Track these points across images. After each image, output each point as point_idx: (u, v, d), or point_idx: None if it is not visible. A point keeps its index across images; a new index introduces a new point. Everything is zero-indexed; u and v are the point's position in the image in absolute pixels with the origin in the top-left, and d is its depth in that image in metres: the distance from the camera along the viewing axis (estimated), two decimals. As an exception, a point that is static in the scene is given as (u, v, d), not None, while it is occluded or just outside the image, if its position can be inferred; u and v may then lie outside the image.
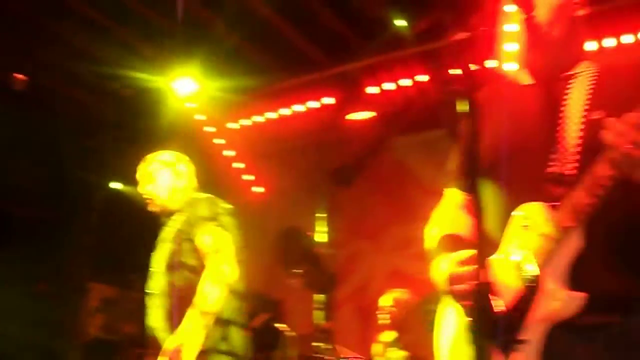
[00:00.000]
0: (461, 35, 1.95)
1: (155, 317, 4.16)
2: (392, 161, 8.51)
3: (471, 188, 1.81)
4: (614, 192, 1.91)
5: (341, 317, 8.07)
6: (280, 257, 6.06)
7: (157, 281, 4.23)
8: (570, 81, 2.25)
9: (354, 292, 8.49)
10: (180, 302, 4.03)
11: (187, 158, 4.58)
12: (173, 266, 4.12)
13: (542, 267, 2.06)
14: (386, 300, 6.84)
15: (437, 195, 2.70)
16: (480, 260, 1.71)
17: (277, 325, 6.01)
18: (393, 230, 8.41)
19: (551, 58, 2.30)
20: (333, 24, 7.27)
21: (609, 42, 6.40)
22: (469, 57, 1.89)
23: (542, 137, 2.19)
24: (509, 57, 2.53)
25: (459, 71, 1.87)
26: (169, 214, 4.38)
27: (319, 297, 5.97)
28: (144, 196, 4.44)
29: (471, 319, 1.70)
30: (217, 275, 3.97)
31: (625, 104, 1.85)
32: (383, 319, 6.77)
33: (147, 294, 4.27)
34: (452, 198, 2.56)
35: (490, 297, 1.77)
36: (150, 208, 4.44)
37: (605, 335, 2.04)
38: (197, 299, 3.91)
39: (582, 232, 2.02)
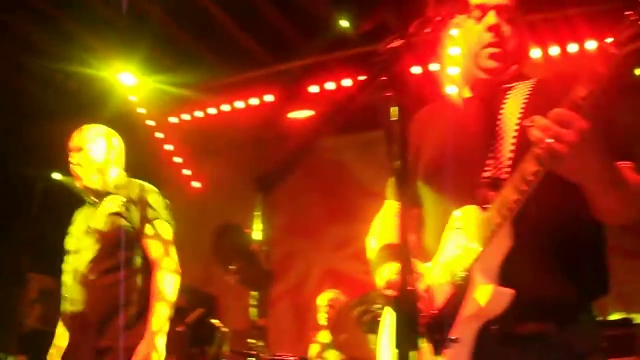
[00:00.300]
0: (396, 43, 1.98)
1: (72, 302, 3.98)
2: (331, 161, 8.55)
3: (400, 194, 1.84)
4: (546, 192, 1.94)
5: (277, 314, 8.08)
6: (216, 252, 6.02)
7: (73, 262, 4.06)
8: (509, 92, 2.29)
9: (290, 290, 8.51)
10: (110, 287, 3.91)
11: (117, 134, 4.36)
12: (106, 249, 3.96)
13: (473, 266, 2.07)
14: (322, 300, 6.87)
15: (375, 196, 2.72)
16: (406, 266, 1.74)
17: (211, 320, 5.98)
18: (330, 229, 8.45)
19: (495, 75, 2.35)
20: (277, 21, 7.27)
21: (554, 51, 6.54)
22: (403, 63, 1.92)
23: (480, 146, 2.23)
24: (453, 62, 2.56)
25: (391, 77, 1.90)
26: (94, 192, 4.16)
27: (254, 294, 5.97)
28: (72, 167, 4.19)
29: (396, 323, 1.72)
30: (172, 265, 3.97)
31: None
32: (320, 318, 6.81)
33: (63, 276, 4.09)
34: (391, 208, 2.59)
35: (416, 302, 1.79)
36: (77, 183, 4.18)
37: (541, 346, 2.04)
38: (161, 291, 3.87)
39: (512, 232, 2.04)
